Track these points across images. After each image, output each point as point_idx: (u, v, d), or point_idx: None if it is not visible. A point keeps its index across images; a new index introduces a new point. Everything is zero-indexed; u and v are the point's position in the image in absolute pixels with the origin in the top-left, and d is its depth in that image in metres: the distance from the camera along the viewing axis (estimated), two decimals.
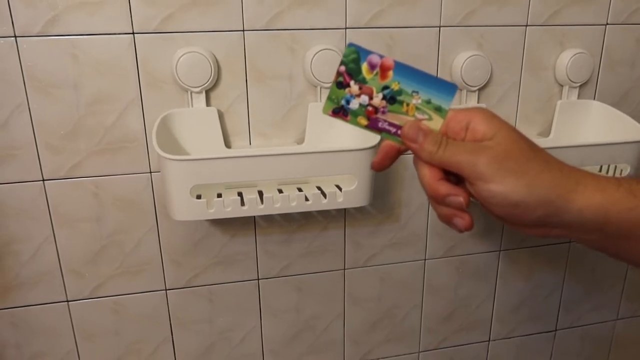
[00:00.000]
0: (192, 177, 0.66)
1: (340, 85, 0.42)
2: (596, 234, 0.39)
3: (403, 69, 0.41)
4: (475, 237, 0.97)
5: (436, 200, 0.42)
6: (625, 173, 0.82)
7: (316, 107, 0.80)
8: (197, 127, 0.76)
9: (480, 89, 0.86)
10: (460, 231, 0.42)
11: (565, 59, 0.86)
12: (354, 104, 0.42)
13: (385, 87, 0.41)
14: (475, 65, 0.82)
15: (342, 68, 0.41)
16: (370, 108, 0.42)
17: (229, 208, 0.69)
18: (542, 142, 0.87)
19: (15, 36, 0.69)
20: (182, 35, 0.74)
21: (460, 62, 0.82)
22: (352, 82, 0.42)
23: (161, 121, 0.72)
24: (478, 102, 0.87)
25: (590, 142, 0.77)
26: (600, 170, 0.87)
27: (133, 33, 0.72)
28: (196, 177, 0.66)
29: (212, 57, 0.75)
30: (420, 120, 0.42)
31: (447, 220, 0.43)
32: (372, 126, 0.43)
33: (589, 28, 0.88)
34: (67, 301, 0.83)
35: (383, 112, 0.42)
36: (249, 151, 0.79)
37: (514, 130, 0.40)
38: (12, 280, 0.80)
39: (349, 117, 0.43)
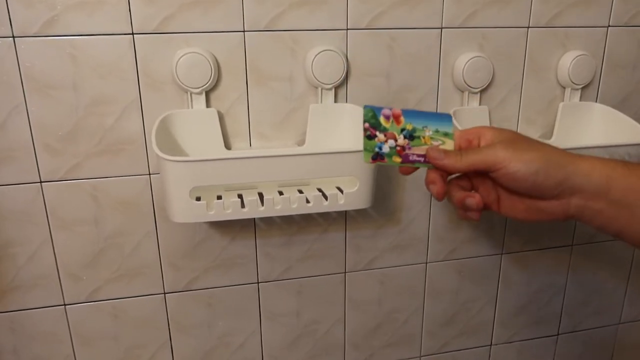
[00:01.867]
0: (192, 178, 0.65)
1: (370, 137, 0.52)
2: (603, 201, 0.45)
3: (410, 113, 0.52)
4: (477, 241, 0.96)
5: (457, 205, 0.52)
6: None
7: (317, 108, 0.79)
8: (197, 128, 0.75)
9: (482, 91, 0.85)
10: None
11: (568, 61, 0.86)
12: (386, 148, 0.52)
13: (403, 129, 0.52)
14: (477, 67, 0.82)
15: (367, 125, 0.52)
16: (398, 148, 0.52)
17: (229, 210, 0.69)
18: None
19: (13, 36, 0.69)
20: (182, 36, 0.73)
21: (462, 63, 0.82)
22: (377, 133, 0.52)
23: (161, 122, 0.71)
24: (480, 104, 0.86)
25: (593, 145, 0.77)
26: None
27: (132, 34, 0.72)
28: (196, 179, 0.65)
29: (212, 57, 0.74)
30: (438, 145, 0.52)
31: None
32: (405, 161, 0.52)
33: (591, 30, 0.87)
34: (65, 305, 0.82)
35: (409, 148, 0.52)
36: (249, 152, 0.78)
37: (515, 131, 0.51)
38: (9, 284, 0.79)
39: (385, 160, 0.52)
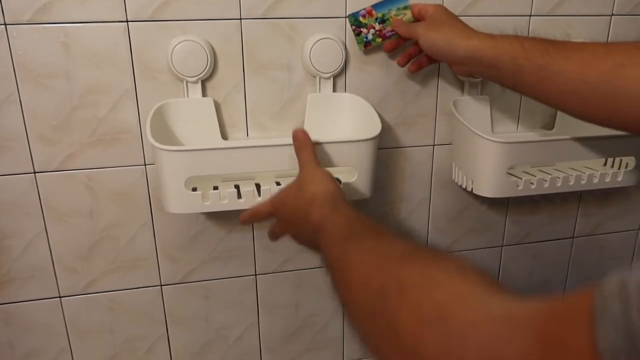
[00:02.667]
0: (187, 168, 0.64)
1: (358, 34, 0.76)
2: (479, 65, 0.66)
3: (377, 5, 0.75)
4: (477, 233, 0.95)
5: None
6: (631, 167, 0.80)
7: (315, 97, 0.78)
8: (192, 118, 0.74)
9: (483, 81, 0.84)
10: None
11: None
12: (370, 36, 0.76)
13: (376, 19, 0.75)
14: None
15: (353, 27, 0.76)
16: (378, 32, 0.76)
17: (226, 200, 0.67)
18: (546, 135, 0.85)
19: (5, 24, 0.67)
20: (177, 24, 0.72)
21: None
22: (361, 29, 0.76)
23: (156, 112, 0.70)
24: (481, 94, 0.85)
25: (594, 135, 0.75)
26: (606, 163, 0.85)
27: (127, 21, 0.70)
28: (191, 169, 0.64)
29: (209, 46, 0.73)
30: (401, 18, 0.75)
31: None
32: (384, 38, 0.76)
33: (594, 19, 0.86)
34: (60, 297, 0.81)
35: (384, 29, 0.76)
36: (244, 142, 0.77)
37: (448, 15, 0.70)
38: (3, 276, 0.78)
39: (372, 44, 0.77)
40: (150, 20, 0.71)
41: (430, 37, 0.69)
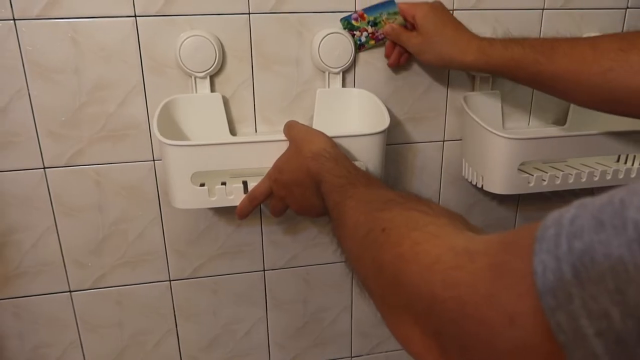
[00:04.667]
0: (193, 163, 0.64)
1: (352, 36, 0.76)
2: (475, 72, 0.78)
3: (369, 9, 0.75)
4: (488, 229, 0.93)
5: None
6: None
7: (324, 93, 0.77)
8: (201, 113, 0.74)
9: (494, 76, 0.82)
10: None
11: None
12: (363, 39, 0.77)
13: (369, 22, 0.75)
14: None
15: (346, 31, 0.75)
16: (371, 35, 0.76)
17: (232, 196, 0.67)
18: (557, 131, 0.84)
19: (14, 19, 0.67)
20: (185, 19, 0.71)
21: None
22: (354, 32, 0.76)
23: (164, 107, 0.70)
24: (492, 89, 0.84)
25: (606, 131, 0.74)
26: (619, 159, 0.84)
27: (135, 16, 0.70)
28: (197, 164, 0.64)
29: (217, 41, 0.72)
30: (392, 22, 0.75)
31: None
32: (377, 40, 0.77)
33: (608, 12, 0.84)
34: (70, 291, 0.82)
35: (377, 32, 0.76)
36: (250, 137, 0.77)
37: (434, 17, 0.70)
38: (14, 270, 0.79)
39: (366, 46, 0.77)
40: (159, 15, 0.71)
41: (424, 57, 0.72)
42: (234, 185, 0.67)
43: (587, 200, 0.25)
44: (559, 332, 0.24)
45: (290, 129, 0.65)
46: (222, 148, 0.64)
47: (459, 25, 0.71)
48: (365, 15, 0.75)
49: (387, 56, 0.78)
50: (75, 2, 0.68)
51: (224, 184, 0.69)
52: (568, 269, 0.23)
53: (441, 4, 0.73)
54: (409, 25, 0.74)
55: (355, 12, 0.75)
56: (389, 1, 0.75)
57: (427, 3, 0.73)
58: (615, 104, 0.59)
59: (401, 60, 0.78)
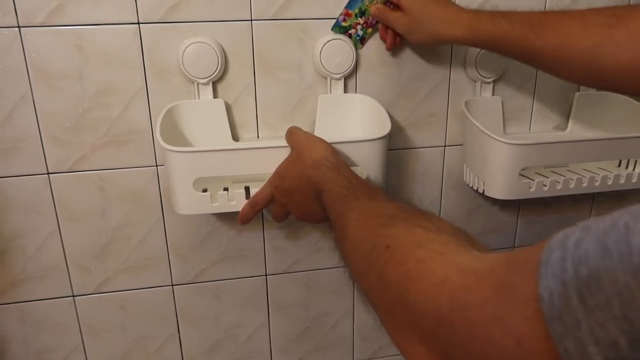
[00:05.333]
0: (195, 169, 0.64)
1: (349, 36, 0.77)
2: (465, 45, 0.75)
3: (350, 4, 0.75)
4: (489, 234, 0.94)
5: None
6: None
7: (326, 99, 0.78)
8: (203, 119, 0.74)
9: (495, 81, 0.83)
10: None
11: None
12: (360, 32, 0.77)
13: (356, 14, 0.76)
14: (490, 57, 0.79)
15: (339, 35, 0.76)
16: (364, 24, 0.76)
17: (234, 201, 0.68)
18: (559, 136, 0.84)
19: (18, 26, 0.68)
20: (188, 25, 0.72)
21: (474, 53, 0.80)
22: (350, 31, 0.77)
23: (167, 113, 0.71)
24: (493, 94, 0.84)
25: (608, 136, 0.74)
26: (620, 164, 0.84)
27: (138, 23, 0.71)
28: (199, 170, 0.64)
29: (219, 47, 0.73)
30: (376, 4, 0.75)
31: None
32: (372, 26, 0.77)
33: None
34: (73, 296, 0.82)
35: (368, 19, 0.76)
36: (253, 143, 0.77)
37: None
38: (18, 275, 0.79)
39: (366, 38, 0.78)
40: (162, 22, 0.71)
41: (414, 38, 0.72)
42: (236, 191, 0.67)
43: (591, 222, 0.25)
44: (567, 359, 0.24)
45: (292, 135, 0.65)
46: (224, 154, 0.64)
47: (444, 1, 0.70)
48: (349, 11, 0.75)
49: (383, 38, 0.78)
50: (79, 9, 0.69)
51: (226, 189, 0.70)
52: (574, 295, 0.23)
53: None
54: (393, 4, 0.74)
55: (341, 13, 0.75)
56: None
57: None
58: (602, 80, 0.59)
59: (397, 41, 0.77)
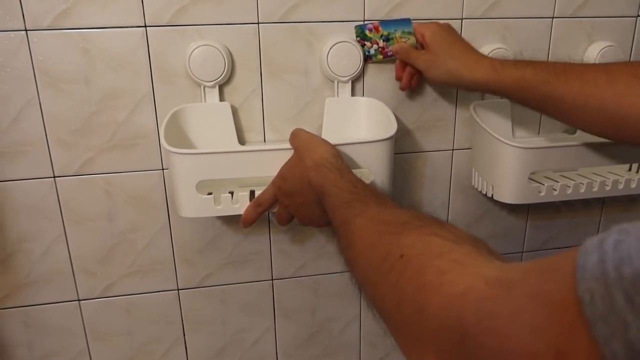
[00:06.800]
0: (198, 172, 0.64)
1: (362, 45, 0.76)
2: (484, 92, 0.78)
3: (385, 23, 0.75)
4: (497, 238, 0.93)
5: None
6: None
7: (333, 102, 0.77)
8: (210, 122, 0.74)
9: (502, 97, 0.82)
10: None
11: (594, 53, 0.83)
12: (372, 51, 0.76)
13: (381, 36, 0.75)
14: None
15: (358, 39, 0.76)
16: (381, 49, 0.76)
17: (238, 204, 0.67)
18: (568, 140, 0.84)
19: (26, 30, 0.68)
20: (195, 28, 0.72)
21: None
22: (365, 42, 0.76)
23: (172, 116, 0.70)
24: (501, 98, 0.83)
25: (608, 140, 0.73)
26: (630, 168, 0.83)
27: (145, 26, 0.71)
28: (202, 172, 0.64)
29: (226, 50, 0.73)
30: (404, 41, 0.75)
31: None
32: (386, 56, 0.77)
33: (619, 20, 0.84)
34: (79, 300, 0.82)
35: (387, 48, 0.76)
36: (255, 146, 0.77)
37: (442, 37, 0.71)
38: (23, 279, 0.79)
39: (373, 59, 0.77)
40: (168, 25, 0.71)
41: (433, 75, 0.71)
42: (240, 194, 0.67)
43: (627, 225, 0.24)
44: None
45: (294, 137, 0.65)
46: (226, 156, 0.64)
47: (468, 45, 0.71)
48: (380, 28, 0.75)
49: (398, 78, 0.78)
50: (86, 12, 0.69)
51: (231, 193, 0.69)
52: (620, 296, 0.22)
53: (450, 25, 0.74)
54: (419, 47, 0.75)
55: (371, 22, 0.75)
56: (405, 19, 0.75)
57: (436, 23, 0.74)
58: (622, 129, 0.58)
59: (413, 82, 0.77)
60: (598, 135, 0.63)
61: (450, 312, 0.32)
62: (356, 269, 0.46)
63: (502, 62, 0.66)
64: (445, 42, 0.71)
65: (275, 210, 0.68)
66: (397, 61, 0.77)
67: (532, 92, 0.63)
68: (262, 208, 0.67)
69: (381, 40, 0.75)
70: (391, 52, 0.76)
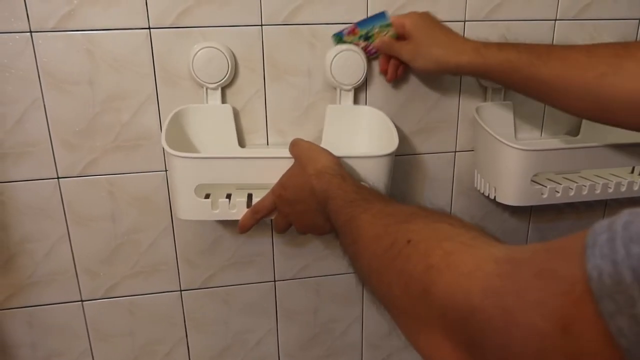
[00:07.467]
0: (197, 175, 0.64)
1: None
2: (469, 74, 0.74)
3: (362, 23, 0.74)
4: (504, 237, 0.93)
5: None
6: None
7: (334, 109, 0.77)
8: (211, 124, 0.74)
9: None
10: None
11: None
12: None
13: (360, 36, 0.74)
14: None
15: (350, 45, 0.75)
16: (363, 49, 0.75)
17: (235, 210, 0.67)
18: (571, 142, 0.84)
19: (30, 31, 0.68)
20: (198, 30, 0.72)
21: None
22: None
23: (174, 117, 0.70)
24: (504, 100, 0.83)
25: (621, 142, 0.74)
26: (633, 170, 0.83)
27: (149, 28, 0.71)
28: (201, 176, 0.64)
29: (229, 52, 0.73)
30: (384, 34, 0.74)
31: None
32: (370, 54, 0.76)
33: (622, 22, 0.84)
34: (82, 301, 0.82)
35: (369, 46, 0.75)
36: (256, 152, 0.76)
37: (423, 25, 0.71)
38: (27, 279, 0.79)
39: None
40: (172, 27, 0.71)
41: (418, 64, 0.70)
42: (237, 199, 0.67)
43: (638, 209, 0.25)
44: (620, 337, 0.23)
45: (295, 146, 0.64)
46: (226, 162, 0.63)
47: (449, 30, 0.71)
48: (357, 29, 0.74)
49: (382, 71, 0.78)
50: (91, 14, 0.69)
51: (229, 196, 0.69)
52: (628, 273, 0.23)
53: (429, 13, 0.74)
54: (401, 37, 0.73)
55: (347, 27, 0.74)
56: (380, 14, 0.74)
57: (415, 12, 0.73)
58: (606, 111, 0.58)
59: (398, 73, 0.77)
60: (585, 116, 0.64)
61: (458, 290, 0.32)
62: (361, 261, 0.46)
63: (486, 45, 0.66)
64: (427, 29, 0.70)
65: (273, 217, 0.67)
66: (381, 57, 0.76)
67: (517, 75, 0.64)
68: (260, 215, 0.66)
69: (361, 41, 0.75)
70: (374, 50, 0.75)
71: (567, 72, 0.59)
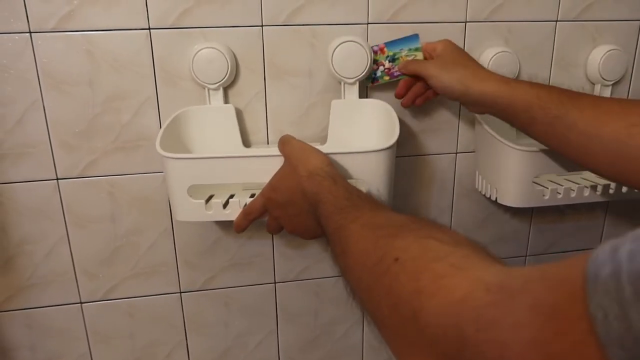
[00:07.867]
0: (189, 176, 0.63)
1: None
2: (492, 108, 0.66)
3: (391, 43, 0.75)
4: (501, 242, 0.93)
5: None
6: None
7: (338, 104, 0.76)
8: (214, 125, 0.74)
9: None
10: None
11: (598, 56, 0.82)
12: (378, 73, 0.76)
13: (387, 57, 0.75)
14: (503, 62, 0.79)
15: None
16: (387, 70, 0.75)
17: (228, 211, 0.66)
18: None
19: (30, 32, 0.68)
20: (199, 31, 0.72)
21: (487, 58, 0.79)
22: (373, 65, 0.74)
23: (175, 119, 0.70)
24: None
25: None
26: None
27: (149, 28, 0.71)
28: (193, 177, 0.63)
29: (230, 53, 0.72)
30: (411, 59, 0.74)
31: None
32: (392, 77, 0.76)
33: (624, 24, 0.83)
34: (81, 303, 0.82)
35: (393, 68, 0.75)
36: (247, 152, 0.76)
37: (455, 49, 0.71)
38: (26, 281, 0.79)
39: (379, 81, 0.76)
40: (172, 28, 0.71)
41: (443, 79, 0.67)
42: (231, 200, 0.66)
43: None
44: None
45: (285, 144, 0.62)
46: (217, 162, 0.62)
47: (478, 62, 0.70)
48: (385, 49, 0.74)
49: (398, 95, 0.75)
50: (91, 15, 0.69)
51: (232, 196, 0.68)
52: (638, 317, 0.20)
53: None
54: (429, 58, 0.74)
55: (377, 45, 0.74)
56: (412, 36, 0.74)
57: (448, 39, 0.73)
58: (626, 171, 0.54)
59: (417, 102, 0.75)
60: (602, 172, 0.59)
61: (448, 319, 0.30)
62: (350, 274, 0.44)
63: (516, 79, 0.65)
64: (459, 52, 0.70)
65: (266, 218, 0.66)
66: (402, 80, 0.74)
67: (544, 113, 0.60)
68: (252, 217, 0.65)
69: (387, 62, 0.75)
70: (397, 73, 0.74)
71: (598, 118, 0.56)
